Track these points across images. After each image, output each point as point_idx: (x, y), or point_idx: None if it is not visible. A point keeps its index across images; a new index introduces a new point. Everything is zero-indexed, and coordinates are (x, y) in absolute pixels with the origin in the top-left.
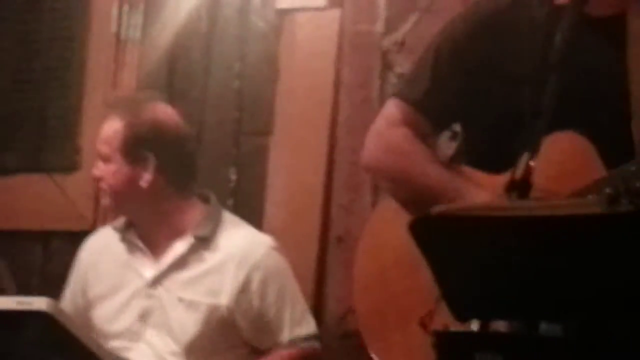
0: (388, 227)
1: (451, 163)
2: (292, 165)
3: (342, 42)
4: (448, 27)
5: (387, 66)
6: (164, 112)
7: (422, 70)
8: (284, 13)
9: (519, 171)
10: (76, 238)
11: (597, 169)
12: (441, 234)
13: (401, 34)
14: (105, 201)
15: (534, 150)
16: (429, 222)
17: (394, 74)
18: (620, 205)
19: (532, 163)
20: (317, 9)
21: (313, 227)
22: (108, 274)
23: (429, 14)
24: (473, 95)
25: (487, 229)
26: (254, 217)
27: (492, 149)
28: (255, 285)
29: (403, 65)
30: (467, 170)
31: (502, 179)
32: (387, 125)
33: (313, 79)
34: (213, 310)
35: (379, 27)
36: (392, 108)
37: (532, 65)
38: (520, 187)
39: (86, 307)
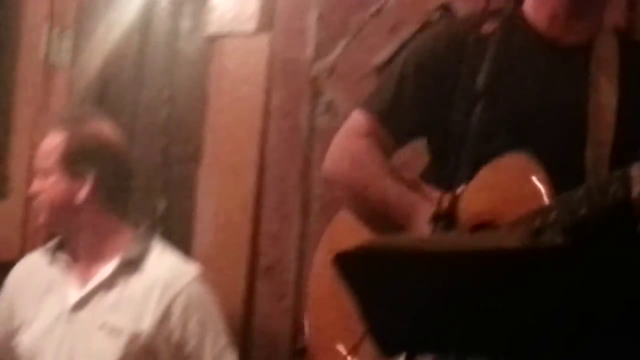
0: (344, 240)
1: (420, 178)
2: (221, 192)
3: (271, 68)
4: (418, 41)
5: (316, 93)
6: (106, 128)
7: (387, 83)
8: (213, 39)
9: (445, 201)
10: (3, 268)
11: (545, 194)
12: (364, 269)
13: (331, 60)
14: (40, 219)
15: (459, 180)
16: (351, 257)
17: (323, 101)
18: (544, 239)
19: (458, 191)
20: (246, 34)
21: (242, 255)
22: (33, 299)
23: (358, 39)
24: (432, 111)
25: (408, 264)
26: (182, 244)
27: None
28: (177, 314)
29: (332, 91)
30: (426, 186)
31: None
32: (350, 136)
33: (242, 106)
34: (134, 338)
35: (309, 53)
36: (356, 119)
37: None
38: (446, 218)
39: (11, 335)
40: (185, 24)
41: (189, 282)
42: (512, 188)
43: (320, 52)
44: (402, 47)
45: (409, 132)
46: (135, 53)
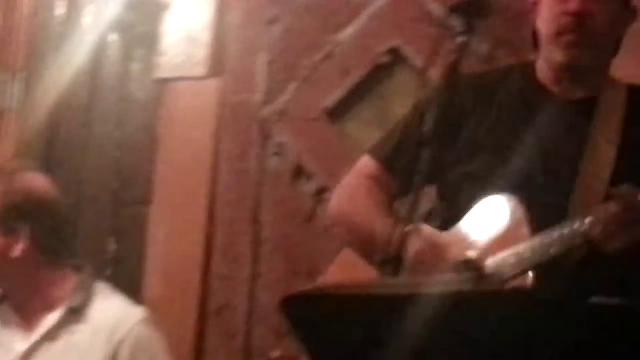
0: (349, 273)
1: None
2: (172, 235)
3: (221, 112)
4: (430, 92)
5: (266, 136)
6: (38, 181)
7: (394, 130)
8: (164, 82)
9: (394, 245)
10: None
11: (524, 235)
12: (309, 312)
13: (281, 103)
14: None
15: (409, 222)
16: (296, 301)
17: (272, 144)
18: (485, 284)
19: (407, 237)
20: (196, 78)
21: (192, 298)
22: None
23: (308, 83)
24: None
25: (351, 307)
26: (132, 287)
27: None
28: (124, 358)
29: (282, 134)
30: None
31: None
32: (354, 179)
33: (192, 149)
34: None
35: (259, 96)
36: (362, 163)
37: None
38: (394, 262)
39: None
40: (136, 67)
41: (135, 325)
42: (499, 227)
43: (270, 95)
44: (353, 90)
45: (410, 174)
46: (85, 96)
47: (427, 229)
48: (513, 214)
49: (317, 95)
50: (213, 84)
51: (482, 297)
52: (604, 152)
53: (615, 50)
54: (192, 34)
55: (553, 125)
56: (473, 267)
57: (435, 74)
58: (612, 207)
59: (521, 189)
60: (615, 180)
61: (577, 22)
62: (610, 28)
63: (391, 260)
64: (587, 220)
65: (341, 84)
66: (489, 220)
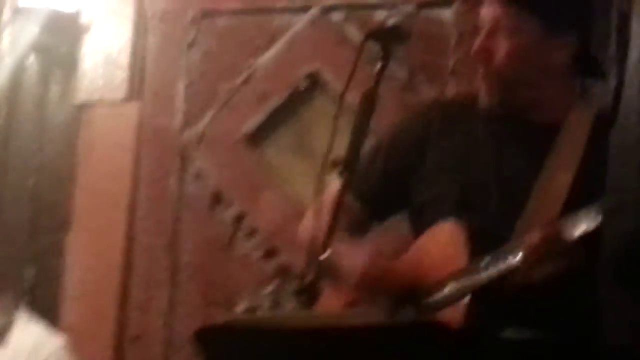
0: None
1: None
2: (89, 261)
3: (141, 136)
4: (398, 121)
5: (185, 161)
6: None
7: (361, 161)
8: (83, 106)
9: (310, 275)
10: None
11: (461, 260)
12: (223, 344)
13: (200, 128)
14: None
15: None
16: (210, 332)
17: (191, 168)
18: (400, 316)
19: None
20: (115, 102)
21: (109, 325)
22: None
23: (227, 108)
24: (403, 187)
25: (263, 340)
26: (49, 314)
27: None
28: None
29: (201, 159)
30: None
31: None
32: (321, 202)
33: (111, 174)
34: None
35: (178, 121)
36: (332, 188)
37: None
38: (308, 292)
39: None
40: (55, 90)
41: (54, 352)
42: (440, 252)
43: (190, 120)
44: (272, 114)
45: (382, 205)
46: (3, 121)
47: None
48: (456, 239)
49: (236, 120)
50: (132, 108)
51: (394, 330)
52: (559, 179)
53: (568, 73)
54: (111, 56)
55: (515, 152)
56: (412, 296)
57: (354, 99)
58: (536, 238)
59: (475, 214)
60: (569, 209)
61: (483, 60)
62: (518, 63)
63: (306, 290)
64: (518, 248)
65: (260, 109)
66: (434, 246)
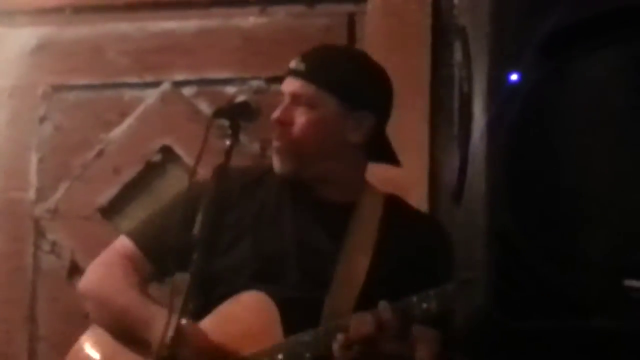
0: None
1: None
2: None
3: None
4: (190, 185)
5: (39, 234)
6: None
7: (152, 217)
8: None
9: (169, 336)
10: None
11: (276, 333)
12: None
13: (53, 201)
14: None
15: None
16: None
17: (46, 242)
18: None
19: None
20: None
21: None
22: None
23: (80, 181)
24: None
25: None
26: None
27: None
28: None
29: (56, 232)
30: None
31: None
32: (109, 257)
33: None
34: None
35: (31, 194)
36: (118, 242)
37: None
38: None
39: None
40: None
41: None
42: (249, 324)
43: (43, 193)
44: (125, 188)
45: (167, 260)
46: None
47: (197, 330)
48: (265, 311)
49: (90, 193)
50: None
51: None
52: (358, 260)
53: (361, 154)
54: None
55: (311, 225)
56: None
57: (206, 173)
58: (369, 325)
59: (275, 285)
60: (368, 289)
61: (280, 131)
62: (319, 134)
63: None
64: (344, 332)
65: (114, 182)
66: (240, 316)
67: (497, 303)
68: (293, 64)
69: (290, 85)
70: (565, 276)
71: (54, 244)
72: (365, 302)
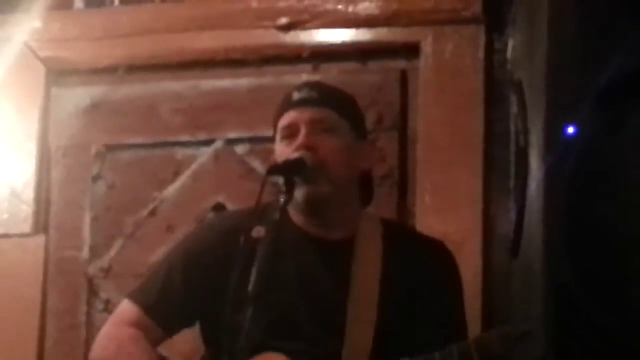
0: None
1: None
2: None
3: (47, 268)
4: (188, 233)
5: (93, 292)
6: None
7: (155, 277)
8: None
9: None
10: None
11: None
12: None
13: (107, 260)
14: None
15: None
16: None
17: (100, 300)
18: None
19: None
20: (21, 235)
21: None
22: None
23: (133, 240)
24: (202, 301)
25: None
26: None
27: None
28: None
29: (109, 290)
30: None
31: None
32: (116, 324)
33: (19, 306)
34: None
35: (85, 253)
36: (124, 309)
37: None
38: None
39: None
40: None
41: None
42: None
43: (97, 252)
44: None
45: (177, 322)
46: None
47: None
48: None
49: (144, 252)
50: (39, 241)
51: None
52: (367, 302)
53: (364, 185)
54: (16, 191)
55: (316, 270)
56: None
57: (257, 234)
58: None
59: (292, 342)
60: (382, 329)
61: (309, 155)
62: (339, 158)
63: None
64: None
65: (167, 240)
66: None
67: (556, 356)
68: (302, 94)
69: (307, 113)
70: (624, 328)
71: (107, 302)
72: (381, 343)
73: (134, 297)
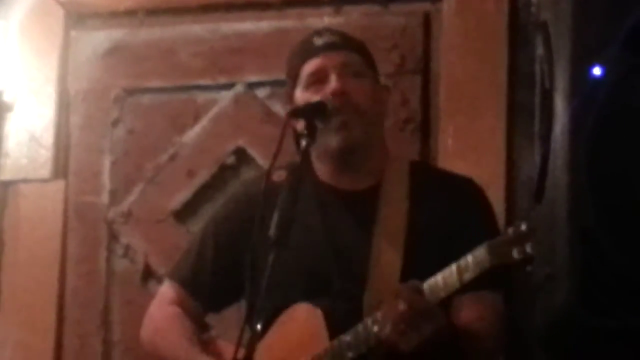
0: None
1: None
2: (20, 339)
3: (67, 214)
4: (215, 211)
5: (113, 237)
6: None
7: (188, 252)
8: (7, 185)
9: (244, 351)
10: None
11: (323, 340)
12: None
13: (126, 205)
14: None
15: (254, 331)
16: None
17: (120, 245)
18: None
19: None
20: (41, 180)
21: None
22: None
23: (153, 184)
24: (237, 274)
25: None
26: None
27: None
28: None
29: (129, 236)
30: (221, 344)
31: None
32: (159, 305)
33: (39, 251)
34: None
35: (104, 198)
36: (164, 289)
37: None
38: None
39: None
40: None
41: None
42: (300, 336)
43: (116, 197)
44: (199, 191)
45: (213, 293)
46: None
47: None
48: (311, 321)
49: (163, 197)
50: (58, 186)
51: None
52: (391, 247)
53: (382, 127)
54: (35, 135)
55: (342, 223)
56: None
57: (278, 177)
58: (400, 306)
59: (319, 295)
60: (406, 271)
61: (342, 102)
62: (371, 102)
63: None
64: (378, 320)
65: (187, 185)
66: (292, 331)
67: (580, 300)
68: (325, 39)
69: (335, 58)
70: None
71: (127, 247)
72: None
73: (171, 275)
